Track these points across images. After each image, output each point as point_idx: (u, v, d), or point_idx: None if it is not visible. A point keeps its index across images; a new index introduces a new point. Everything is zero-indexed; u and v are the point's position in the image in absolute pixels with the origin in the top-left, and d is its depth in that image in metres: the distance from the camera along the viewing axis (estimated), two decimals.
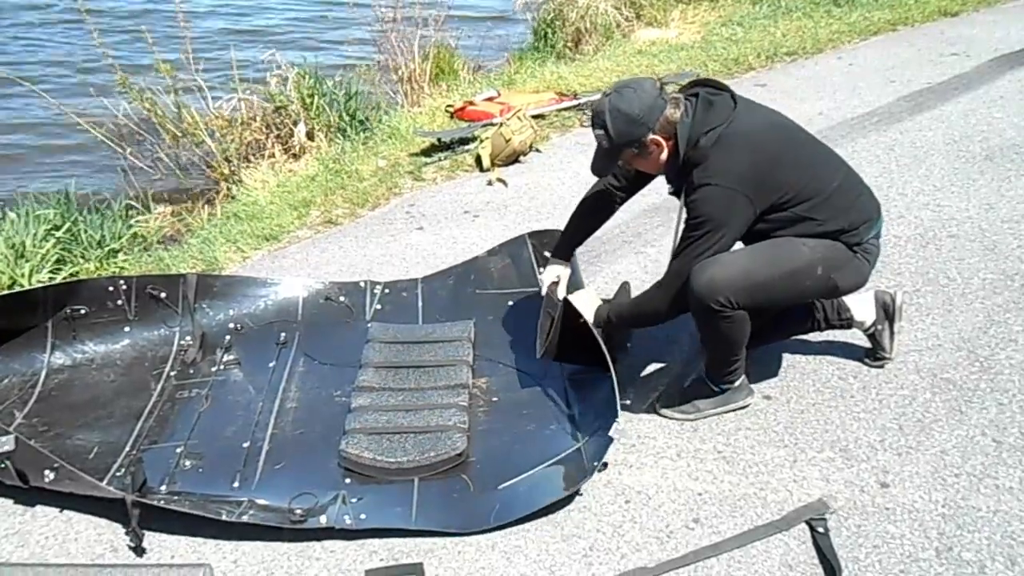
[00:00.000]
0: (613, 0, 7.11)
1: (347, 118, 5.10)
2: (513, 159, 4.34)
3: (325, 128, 5.07)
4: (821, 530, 1.98)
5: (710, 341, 2.28)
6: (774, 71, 5.54)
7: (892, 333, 2.49)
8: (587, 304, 2.44)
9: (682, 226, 2.22)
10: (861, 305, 2.44)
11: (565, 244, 2.63)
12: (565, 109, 5.00)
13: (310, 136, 5.03)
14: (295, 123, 5.02)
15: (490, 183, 4.13)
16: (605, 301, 2.49)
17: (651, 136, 2.13)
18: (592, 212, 2.59)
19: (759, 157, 2.11)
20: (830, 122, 4.45)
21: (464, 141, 4.60)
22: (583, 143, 4.58)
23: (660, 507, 2.11)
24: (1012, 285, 2.88)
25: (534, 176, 4.20)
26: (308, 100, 5.02)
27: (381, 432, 2.34)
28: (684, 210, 2.22)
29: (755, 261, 2.16)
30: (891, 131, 4.29)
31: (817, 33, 6.08)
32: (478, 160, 4.36)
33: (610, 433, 2.10)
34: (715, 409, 2.39)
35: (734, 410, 2.40)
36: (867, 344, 2.56)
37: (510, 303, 2.88)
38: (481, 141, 4.32)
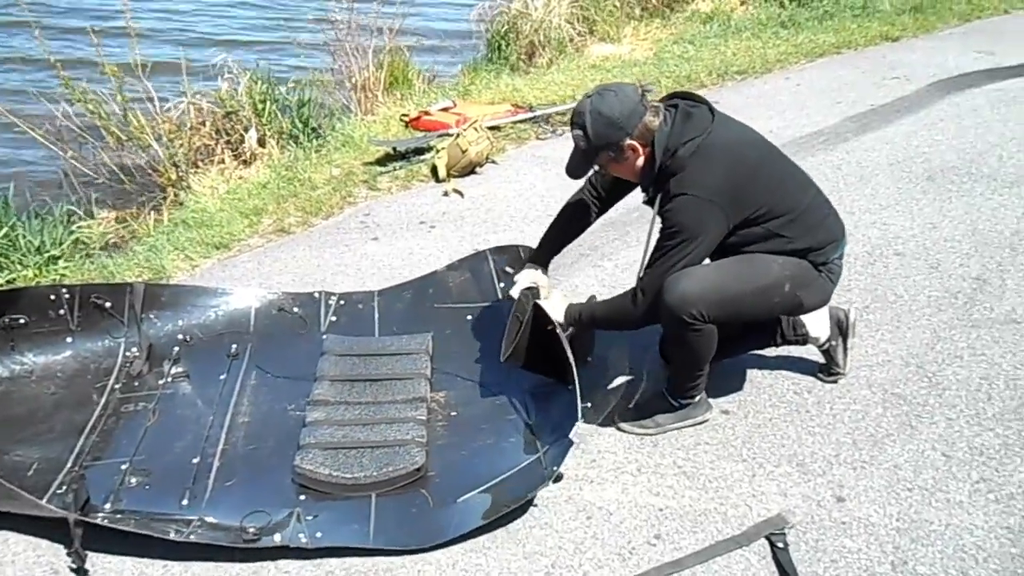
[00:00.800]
0: (566, 15, 7.15)
1: (300, 125, 5.00)
2: (469, 170, 4.30)
3: (277, 135, 4.96)
4: (781, 545, 1.99)
5: (677, 354, 2.28)
6: (725, 89, 5.63)
7: (846, 349, 2.53)
8: (557, 308, 2.42)
9: (655, 236, 2.22)
10: (816, 321, 2.47)
11: (543, 251, 2.62)
12: (521, 121, 4.98)
13: (261, 143, 4.92)
14: (246, 129, 4.91)
15: (446, 194, 4.09)
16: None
17: (629, 141, 2.13)
18: (569, 221, 2.59)
19: (736, 170, 2.13)
20: (779, 140, 4.50)
21: (420, 151, 4.55)
22: (539, 156, 4.58)
23: (622, 523, 2.09)
24: (955, 303, 2.96)
25: (490, 187, 4.17)
26: (260, 106, 4.90)
27: (337, 447, 2.28)
28: (658, 219, 2.22)
29: (727, 275, 2.17)
30: (838, 151, 4.39)
31: (766, 54, 6.20)
32: (434, 170, 4.31)
33: (570, 436, 2.08)
34: (675, 424, 2.38)
35: (693, 425, 2.40)
36: (821, 359, 2.59)
37: (469, 317, 2.85)
38: (437, 151, 4.28)
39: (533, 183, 4.19)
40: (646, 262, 2.26)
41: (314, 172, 4.37)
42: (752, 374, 2.61)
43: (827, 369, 2.57)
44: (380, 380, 2.55)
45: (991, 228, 3.49)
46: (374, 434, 2.33)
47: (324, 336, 2.79)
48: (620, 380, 2.63)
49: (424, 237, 3.67)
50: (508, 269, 2.90)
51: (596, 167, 2.28)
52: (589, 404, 2.44)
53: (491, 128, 4.66)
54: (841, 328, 2.50)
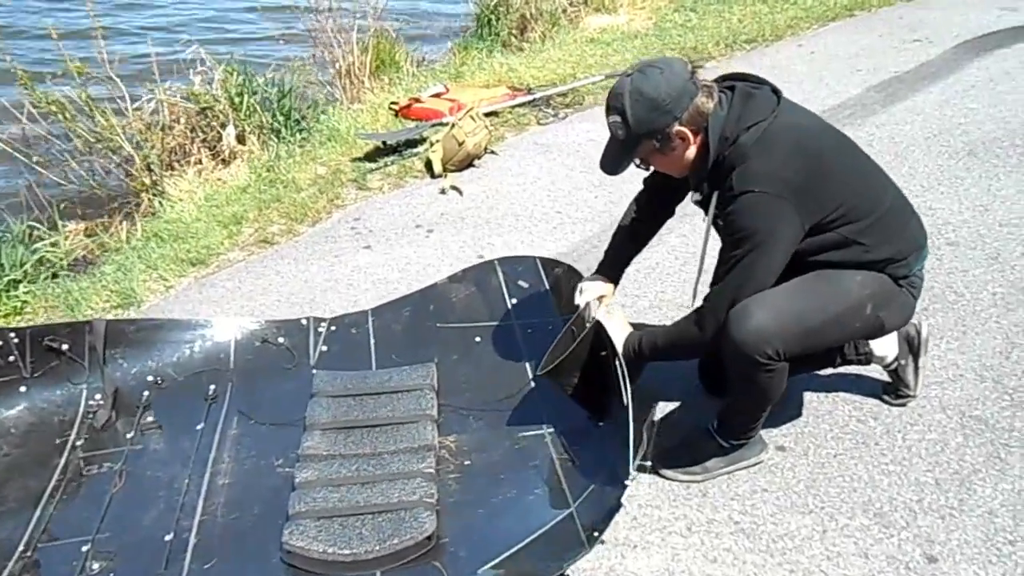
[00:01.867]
0: None
1: (281, 118, 4.58)
2: (467, 163, 3.90)
3: (257, 130, 4.54)
4: None
5: (742, 395, 1.91)
6: (735, 60, 5.20)
7: (917, 368, 2.16)
8: (619, 333, 2.05)
9: (711, 244, 1.86)
10: (883, 339, 2.10)
11: (611, 263, 2.22)
12: (519, 105, 4.58)
13: (240, 139, 4.50)
14: (223, 125, 4.49)
15: (443, 191, 3.69)
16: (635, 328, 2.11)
17: (677, 127, 1.76)
18: (636, 226, 2.19)
19: (811, 162, 1.75)
20: None
21: (412, 143, 4.14)
22: (541, 143, 4.17)
23: None
24: None
25: (491, 182, 3.78)
26: (237, 99, 4.48)
27: (333, 515, 1.91)
28: (713, 225, 1.86)
29: (804, 302, 1.80)
30: (866, 125, 3.99)
31: (774, 19, 5.77)
32: (428, 165, 3.91)
33: (618, 498, 1.71)
34: (725, 468, 2.03)
35: (747, 467, 2.04)
36: (884, 378, 2.23)
37: (477, 339, 2.47)
38: (432, 144, 3.87)
39: (538, 175, 3.79)
40: (711, 277, 1.88)
41: (298, 172, 3.97)
42: (808, 398, 2.25)
43: (894, 390, 2.20)
44: (379, 426, 2.18)
45: None
46: (375, 495, 1.96)
47: (314, 371, 2.42)
48: (653, 414, 2.26)
49: (421, 243, 3.28)
50: (522, 283, 2.52)
51: (636, 161, 1.89)
52: (649, 462, 2.06)
53: (488, 114, 4.26)
54: (912, 345, 2.13)
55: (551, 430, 2.16)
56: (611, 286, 2.20)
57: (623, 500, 1.70)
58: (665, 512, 1.95)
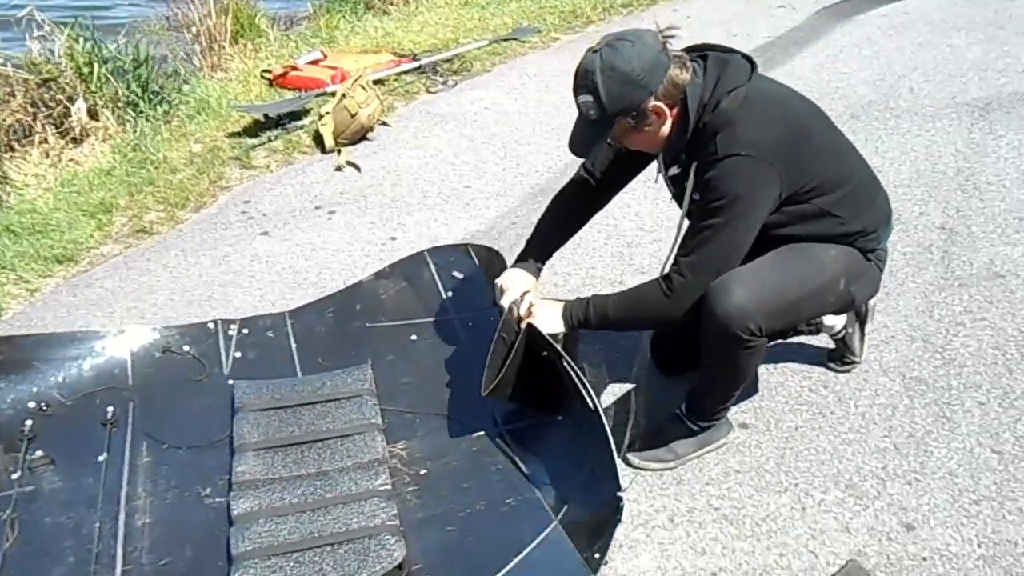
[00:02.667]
0: None
1: (138, 90, 4.05)
2: (360, 136, 3.60)
3: (111, 103, 4.00)
4: None
5: (718, 374, 1.80)
6: (613, 24, 5.13)
7: (863, 335, 2.16)
8: (551, 319, 1.86)
9: (685, 221, 1.73)
10: None
11: (535, 248, 2.01)
12: (405, 72, 4.28)
13: (93, 114, 3.94)
14: (71, 99, 3.91)
15: (339, 168, 3.38)
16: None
17: (653, 102, 1.61)
18: (567, 212, 2.01)
19: (793, 130, 1.66)
20: None
21: (295, 115, 3.77)
22: (435, 113, 3.92)
23: None
24: (932, 258, 2.67)
25: (389, 156, 3.50)
26: (86, 69, 3.91)
27: (285, 551, 1.65)
28: (689, 198, 1.73)
29: (783, 276, 1.70)
30: None
31: None
32: (318, 139, 3.58)
33: (615, 515, 1.57)
34: (696, 452, 1.93)
35: (715, 449, 1.96)
36: (827, 346, 2.21)
37: (413, 337, 2.24)
38: (321, 116, 3.53)
39: (438, 147, 3.55)
40: (679, 243, 1.76)
41: (169, 150, 3.51)
42: (759, 372, 2.19)
43: (840, 358, 2.19)
44: (320, 440, 1.92)
45: (933, 168, 3.23)
46: (330, 523, 1.71)
47: (230, 382, 2.11)
48: (608, 397, 2.14)
49: (324, 226, 2.97)
50: (456, 274, 2.31)
51: (610, 141, 1.72)
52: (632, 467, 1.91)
53: (374, 83, 3.94)
54: (859, 313, 2.11)
55: (507, 427, 1.98)
56: (532, 279, 1.99)
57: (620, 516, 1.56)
58: (644, 505, 1.83)
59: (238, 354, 2.20)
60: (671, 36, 1.65)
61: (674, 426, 1.94)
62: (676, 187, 1.82)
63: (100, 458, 1.90)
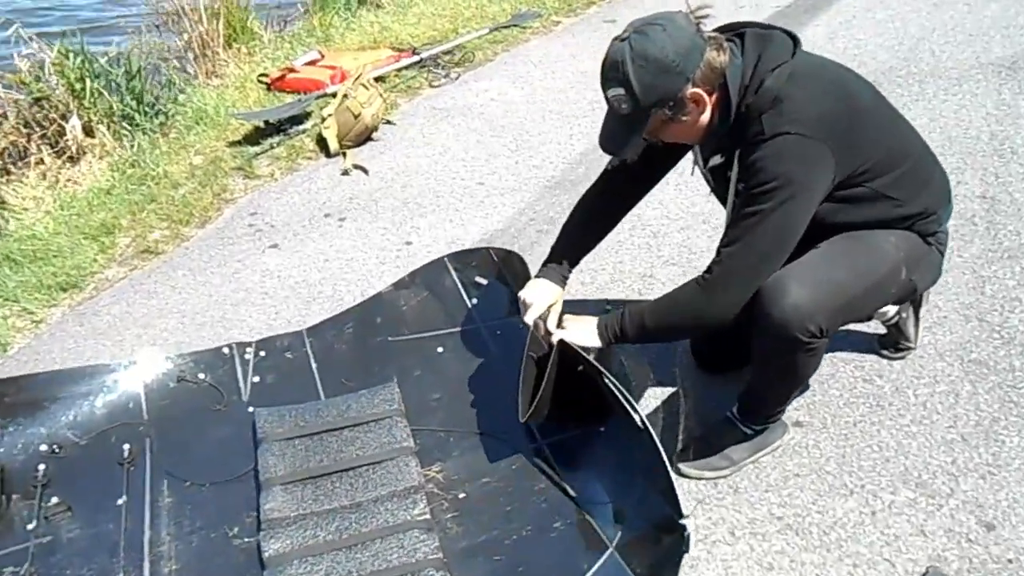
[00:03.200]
0: None
1: (133, 103, 3.91)
2: (365, 137, 3.46)
3: (106, 119, 3.86)
4: None
5: (775, 378, 1.66)
6: (617, 4, 4.97)
7: (918, 319, 2.01)
8: (585, 332, 1.72)
9: (731, 209, 1.61)
10: None
11: (561, 256, 1.87)
12: (405, 67, 4.13)
13: (88, 131, 3.81)
14: (64, 117, 3.78)
15: (346, 172, 3.24)
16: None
17: (691, 89, 1.46)
18: (595, 214, 1.88)
19: (846, 106, 1.52)
20: None
21: (296, 120, 3.63)
22: (440, 108, 3.77)
23: None
24: (977, 230, 2.52)
25: (396, 157, 3.35)
26: (78, 85, 3.77)
27: None
28: (735, 189, 1.59)
29: (844, 270, 1.56)
30: None
31: None
32: (321, 143, 3.44)
33: (688, 538, 1.43)
34: (751, 456, 1.80)
35: (771, 452, 1.83)
36: (878, 331, 2.07)
37: (440, 350, 2.11)
38: (323, 119, 3.39)
39: (446, 144, 3.40)
40: (722, 238, 1.61)
41: (169, 164, 3.38)
42: None
43: (893, 344, 2.04)
44: (350, 469, 1.80)
45: (964, 134, 3.07)
46: (369, 560, 1.59)
47: (251, 410, 1.98)
48: (650, 402, 2.01)
49: (336, 235, 2.84)
50: (480, 280, 2.18)
51: (646, 136, 1.57)
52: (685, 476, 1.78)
53: (375, 80, 3.79)
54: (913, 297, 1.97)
55: (548, 441, 1.86)
56: (558, 289, 1.85)
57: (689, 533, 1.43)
58: (701, 519, 1.70)
59: (256, 379, 2.07)
60: (704, 16, 1.50)
61: (726, 430, 1.80)
62: (718, 179, 1.67)
63: (119, 501, 1.78)
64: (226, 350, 2.11)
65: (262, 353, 2.13)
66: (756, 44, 1.51)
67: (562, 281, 1.85)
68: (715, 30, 1.57)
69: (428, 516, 1.68)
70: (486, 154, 3.29)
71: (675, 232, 2.67)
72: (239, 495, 1.78)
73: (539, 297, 1.80)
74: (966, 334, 2.12)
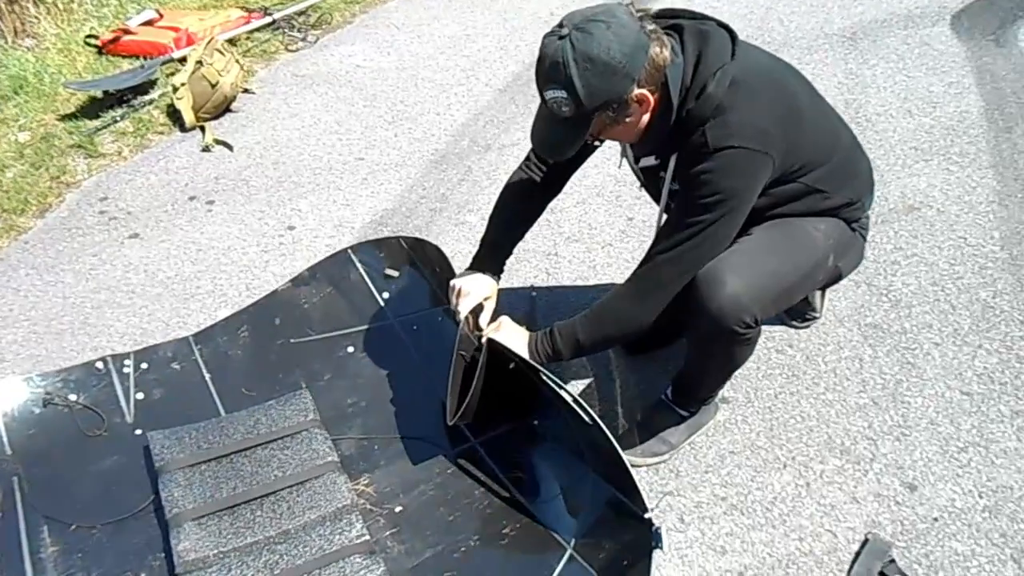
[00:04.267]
0: None
1: None
2: (223, 109, 3.10)
3: None
4: None
5: (711, 366, 1.64)
6: None
7: (823, 290, 2.06)
8: (516, 339, 1.62)
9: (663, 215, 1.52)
10: None
11: (489, 253, 1.74)
12: (257, 30, 3.75)
13: None
14: None
15: (207, 148, 2.89)
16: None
17: (636, 90, 1.36)
18: (518, 209, 1.76)
19: (787, 110, 1.47)
20: None
21: (140, 89, 3.19)
22: (301, 75, 3.46)
23: None
24: None
25: (262, 130, 3.04)
26: None
27: None
28: (668, 191, 1.53)
29: (777, 260, 1.54)
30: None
31: None
32: (173, 115, 3.05)
33: (658, 543, 1.36)
34: (687, 438, 1.78)
35: (703, 431, 1.81)
36: None
37: (350, 349, 1.91)
38: (175, 89, 2.99)
39: (316, 116, 3.12)
40: (651, 244, 1.55)
41: None
42: None
43: (800, 315, 2.09)
44: (271, 493, 1.59)
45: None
46: None
47: (138, 432, 1.71)
48: (584, 393, 1.93)
49: (206, 220, 2.53)
50: (390, 272, 1.99)
51: (588, 139, 1.46)
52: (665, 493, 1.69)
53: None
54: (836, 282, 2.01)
55: (481, 440, 1.74)
56: (493, 283, 1.74)
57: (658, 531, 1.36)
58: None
59: (140, 395, 1.79)
60: (645, 9, 1.40)
61: (662, 414, 1.77)
62: (648, 177, 1.61)
63: None
64: (100, 364, 1.81)
65: (143, 365, 1.84)
66: (695, 42, 1.43)
67: (496, 275, 1.72)
68: (649, 17, 1.47)
69: (367, 537, 1.52)
70: (362, 126, 3.05)
71: (572, 207, 2.59)
72: (140, 535, 1.53)
73: (474, 288, 1.67)
74: (858, 299, 2.21)
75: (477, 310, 1.66)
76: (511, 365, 1.61)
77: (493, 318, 1.68)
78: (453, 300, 1.69)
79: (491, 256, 1.73)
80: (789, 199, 1.57)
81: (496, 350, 1.59)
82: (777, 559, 1.57)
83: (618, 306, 1.56)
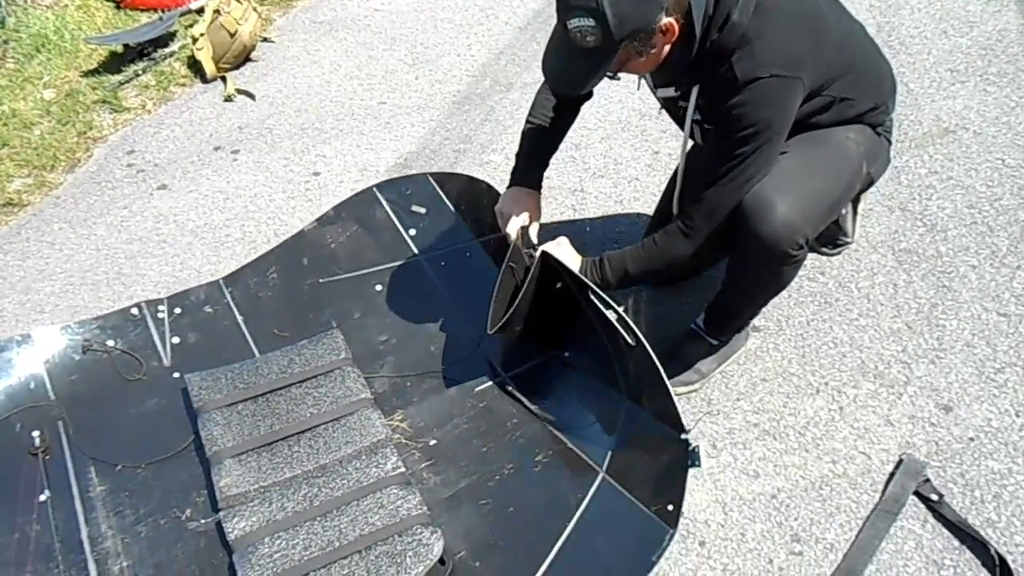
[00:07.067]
0: None
1: None
2: (243, 58, 3.07)
3: None
4: (935, 498, 1.50)
5: (757, 291, 1.61)
6: None
7: (856, 213, 2.01)
8: (571, 257, 1.60)
9: (690, 142, 1.48)
10: None
11: (528, 166, 1.71)
12: None
13: None
14: None
15: (229, 98, 2.87)
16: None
17: (664, 19, 1.29)
18: (552, 121, 1.70)
19: (812, 27, 1.42)
20: None
21: (160, 41, 3.16)
22: (320, 21, 3.40)
23: (744, 535, 1.48)
24: None
25: (283, 78, 3.00)
26: None
27: (307, 571, 1.37)
28: (691, 121, 1.47)
29: (820, 177, 1.50)
30: None
31: None
32: (194, 67, 3.02)
33: (695, 461, 1.35)
34: (720, 367, 1.76)
35: (735, 360, 1.79)
36: None
37: (378, 287, 1.91)
38: (194, 40, 2.96)
39: (336, 62, 3.08)
40: (697, 178, 1.51)
41: (14, 100, 2.88)
42: None
43: (831, 240, 2.04)
44: (308, 430, 1.61)
45: None
46: (348, 526, 1.44)
47: (177, 375, 1.74)
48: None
49: (231, 169, 2.52)
50: (417, 209, 1.97)
51: (610, 72, 1.40)
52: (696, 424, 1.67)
53: None
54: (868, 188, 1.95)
55: (511, 374, 1.73)
56: (536, 194, 1.72)
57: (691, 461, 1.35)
58: None
59: (176, 340, 1.81)
60: None
61: (693, 344, 1.75)
62: (669, 107, 1.56)
63: (42, 498, 1.52)
64: (135, 311, 1.83)
65: (177, 310, 1.86)
66: None
67: (536, 187, 1.70)
68: None
69: (403, 469, 1.53)
70: (382, 70, 3.00)
71: (597, 143, 2.54)
72: (183, 473, 1.57)
73: (518, 206, 1.66)
74: (892, 224, 2.15)
75: (527, 226, 1.64)
76: (558, 285, 1.59)
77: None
78: (501, 222, 1.67)
79: (528, 167, 1.70)
80: (817, 111, 1.51)
81: (549, 265, 1.57)
82: (810, 481, 1.56)
83: (670, 244, 1.53)
